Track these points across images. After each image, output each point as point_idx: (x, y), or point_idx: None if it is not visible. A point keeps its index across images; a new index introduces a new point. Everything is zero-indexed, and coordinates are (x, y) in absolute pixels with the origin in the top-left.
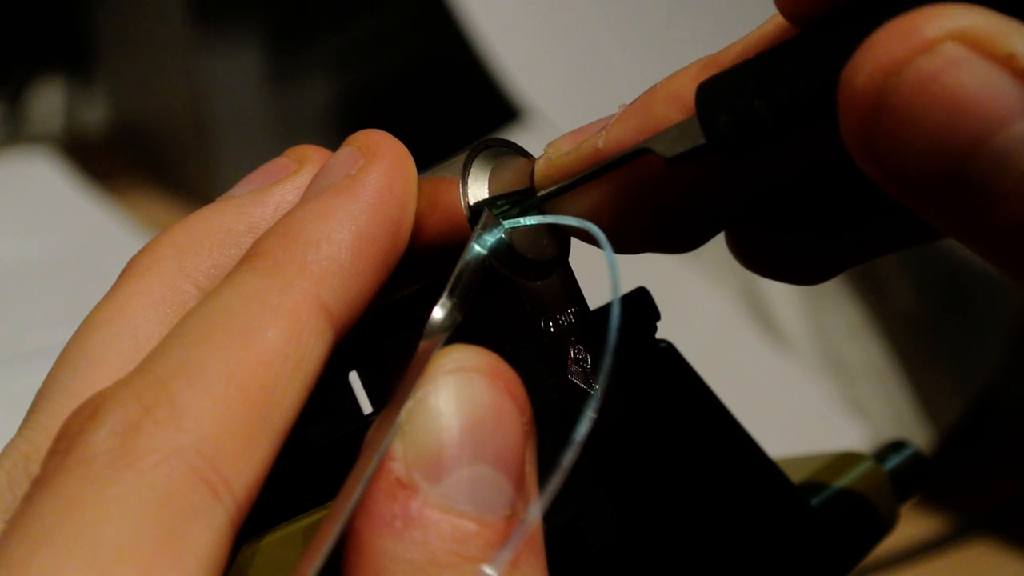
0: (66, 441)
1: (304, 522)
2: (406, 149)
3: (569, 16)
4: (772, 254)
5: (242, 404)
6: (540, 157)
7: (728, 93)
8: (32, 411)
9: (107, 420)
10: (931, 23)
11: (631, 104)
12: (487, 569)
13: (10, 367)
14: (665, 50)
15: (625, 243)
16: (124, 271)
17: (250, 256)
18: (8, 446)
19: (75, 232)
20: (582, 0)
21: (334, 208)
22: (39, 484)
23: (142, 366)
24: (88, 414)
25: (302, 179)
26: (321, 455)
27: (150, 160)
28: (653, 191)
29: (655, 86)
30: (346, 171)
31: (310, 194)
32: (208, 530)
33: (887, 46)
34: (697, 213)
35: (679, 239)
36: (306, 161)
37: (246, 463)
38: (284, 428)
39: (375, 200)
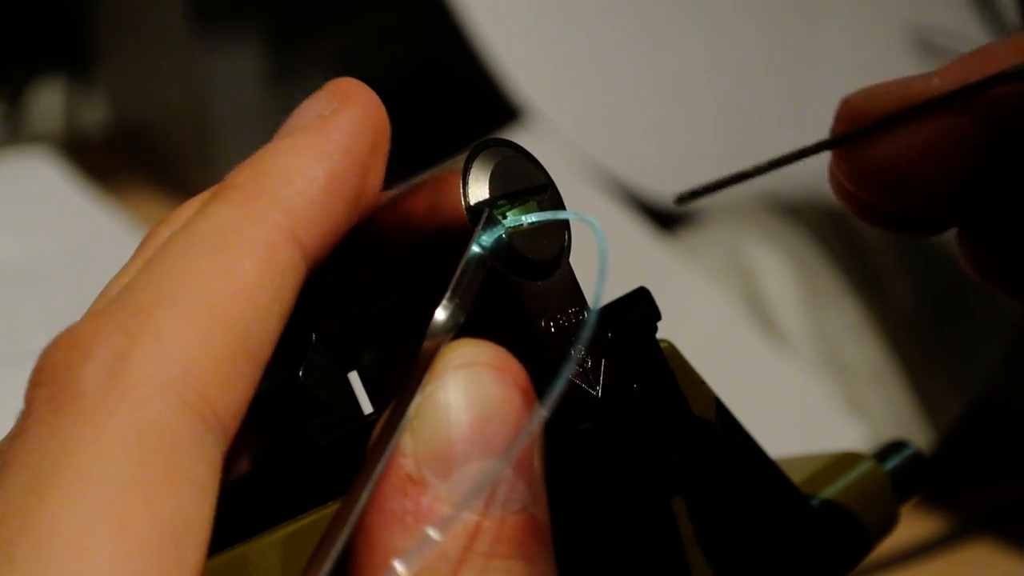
0: (50, 373)
1: (306, 522)
2: (379, 99)
3: (569, 16)
4: (1008, 262)
5: (224, 334)
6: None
7: None
8: None
9: (95, 353)
10: None
11: (960, 56)
12: (430, 531)
13: (10, 367)
14: (665, 50)
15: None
16: (149, 234)
17: (222, 187)
18: None
19: (75, 232)
20: (582, 0)
21: (306, 145)
22: (32, 420)
23: (121, 296)
24: (70, 345)
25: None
26: (321, 455)
27: (150, 160)
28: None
29: (986, 45)
30: (318, 112)
31: (282, 134)
32: (202, 460)
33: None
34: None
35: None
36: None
37: (231, 393)
38: (263, 359)
39: (348, 141)
